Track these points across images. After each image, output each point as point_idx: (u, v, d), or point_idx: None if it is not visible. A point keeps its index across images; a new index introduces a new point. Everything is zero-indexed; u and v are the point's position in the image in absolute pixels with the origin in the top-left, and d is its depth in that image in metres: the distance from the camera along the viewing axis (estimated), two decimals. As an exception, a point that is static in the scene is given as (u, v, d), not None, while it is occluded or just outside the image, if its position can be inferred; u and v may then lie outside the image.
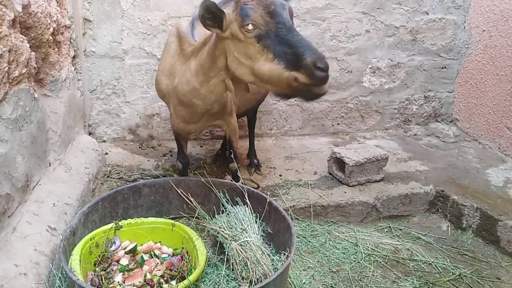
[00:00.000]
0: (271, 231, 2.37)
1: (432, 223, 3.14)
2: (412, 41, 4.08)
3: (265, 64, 1.88)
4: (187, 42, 2.37)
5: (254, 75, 1.97)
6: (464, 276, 2.55)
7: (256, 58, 1.91)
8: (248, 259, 2.05)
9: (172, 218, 2.48)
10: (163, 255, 2.23)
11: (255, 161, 3.41)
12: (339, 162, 3.23)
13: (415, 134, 4.26)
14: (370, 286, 2.42)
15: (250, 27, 1.87)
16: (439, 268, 2.61)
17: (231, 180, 2.76)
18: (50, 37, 2.52)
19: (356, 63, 4.03)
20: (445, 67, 4.26)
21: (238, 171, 2.82)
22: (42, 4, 2.37)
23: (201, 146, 3.82)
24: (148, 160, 3.46)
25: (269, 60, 1.87)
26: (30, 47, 2.19)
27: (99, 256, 2.15)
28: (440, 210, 3.19)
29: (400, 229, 3.03)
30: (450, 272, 2.59)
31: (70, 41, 3.08)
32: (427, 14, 4.03)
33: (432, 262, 2.66)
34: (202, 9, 1.89)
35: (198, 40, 2.35)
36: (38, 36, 2.36)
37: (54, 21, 2.58)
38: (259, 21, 1.86)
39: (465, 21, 4.11)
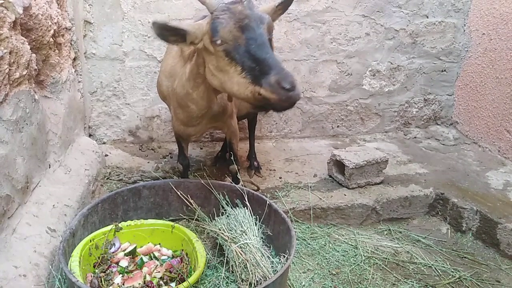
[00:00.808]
0: (270, 233, 2.37)
1: (432, 225, 3.14)
2: (412, 44, 4.09)
3: (233, 77, 1.90)
4: None
5: (223, 87, 2.00)
6: (464, 279, 2.55)
7: (225, 71, 1.93)
8: (247, 261, 2.05)
9: (172, 220, 2.48)
10: (163, 257, 2.23)
11: (255, 163, 3.42)
12: (339, 165, 3.23)
13: (415, 137, 4.26)
14: (370, 289, 2.42)
15: (218, 41, 1.87)
16: (439, 271, 2.61)
17: (231, 182, 2.76)
18: (51, 39, 2.52)
19: (356, 66, 4.04)
20: (445, 70, 4.27)
21: (238, 173, 2.82)
22: (43, 6, 2.37)
23: (201, 148, 3.82)
24: (148, 162, 3.46)
25: (237, 73, 1.87)
26: (30, 49, 2.20)
27: (98, 257, 2.15)
28: (440, 213, 3.18)
29: (400, 232, 3.03)
30: (450, 275, 2.58)
31: (71, 43, 3.08)
32: (427, 17, 4.04)
33: (432, 265, 2.66)
34: (155, 30, 1.89)
35: None
36: (39, 38, 2.37)
37: (55, 23, 2.58)
38: (227, 36, 1.85)
39: (465, 24, 4.12)
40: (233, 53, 1.86)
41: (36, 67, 2.31)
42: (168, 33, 1.93)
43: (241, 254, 2.09)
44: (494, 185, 3.31)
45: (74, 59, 3.19)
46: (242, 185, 2.68)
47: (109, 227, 2.24)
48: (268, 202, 2.40)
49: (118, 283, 2.02)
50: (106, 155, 3.48)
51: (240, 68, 1.86)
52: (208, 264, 2.20)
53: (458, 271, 2.61)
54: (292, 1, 2.19)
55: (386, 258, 2.69)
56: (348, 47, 3.96)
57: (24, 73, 2.11)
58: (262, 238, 2.30)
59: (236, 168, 2.79)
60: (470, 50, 4.10)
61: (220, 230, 2.27)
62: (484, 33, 3.91)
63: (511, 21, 3.59)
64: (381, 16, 3.93)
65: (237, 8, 1.85)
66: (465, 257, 2.78)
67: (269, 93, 1.77)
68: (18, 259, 1.89)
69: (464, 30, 4.13)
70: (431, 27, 4.07)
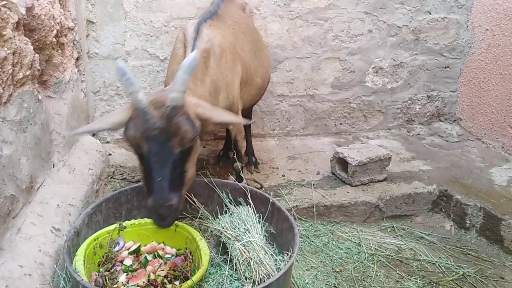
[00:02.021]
0: (274, 231, 2.37)
1: (436, 222, 3.14)
2: (414, 40, 4.08)
3: (140, 171, 1.89)
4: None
5: None
6: (467, 275, 2.55)
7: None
8: (251, 259, 2.06)
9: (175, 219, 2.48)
10: (167, 256, 2.23)
11: (253, 159, 3.43)
12: (342, 162, 3.23)
13: (418, 134, 4.25)
14: (374, 286, 2.42)
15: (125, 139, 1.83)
16: (443, 268, 2.61)
17: (234, 180, 2.76)
18: (54, 39, 2.53)
19: (359, 63, 4.03)
20: (448, 67, 4.25)
21: (242, 172, 2.83)
22: (46, 6, 2.38)
23: (204, 147, 3.83)
24: (152, 161, 3.47)
25: (141, 173, 1.86)
26: (34, 49, 2.21)
27: (103, 256, 2.16)
28: (443, 210, 3.18)
29: (403, 229, 3.03)
30: (453, 271, 2.58)
31: (74, 43, 3.09)
32: (430, 13, 4.02)
33: (436, 261, 2.66)
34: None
35: (200, 48, 2.36)
36: (42, 38, 2.38)
37: (58, 23, 2.59)
38: (131, 140, 1.79)
39: (468, 20, 4.10)
40: (138, 157, 1.82)
41: (39, 67, 2.32)
42: None
43: (244, 252, 2.10)
44: (498, 181, 3.30)
45: (77, 59, 3.19)
46: (245, 183, 2.69)
47: (113, 226, 2.25)
48: (271, 200, 2.40)
49: (122, 282, 2.02)
50: (110, 154, 3.49)
51: (141, 172, 1.84)
52: (212, 262, 2.20)
53: (462, 267, 2.61)
54: None
55: (389, 255, 2.69)
56: (350, 44, 3.95)
57: (28, 73, 2.12)
58: (265, 236, 2.30)
59: (240, 166, 2.79)
60: (473, 46, 4.08)
61: (223, 228, 2.27)
62: (487, 29, 3.89)
63: (514, 16, 3.57)
64: (384, 12, 3.91)
65: (154, 114, 1.72)
66: (469, 254, 2.78)
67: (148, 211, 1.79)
68: (23, 258, 1.90)
69: (467, 26, 4.11)
70: (434, 23, 4.06)
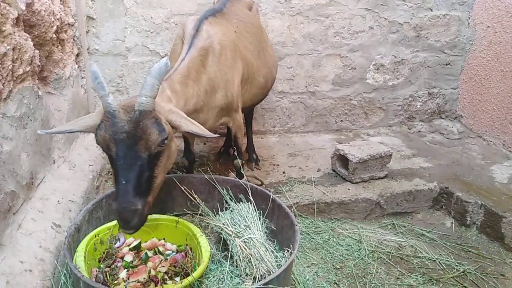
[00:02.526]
0: (274, 228, 2.37)
1: (436, 220, 3.14)
2: (416, 37, 4.06)
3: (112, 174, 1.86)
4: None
5: None
6: (468, 272, 2.55)
7: None
8: (251, 255, 2.05)
9: (176, 215, 2.48)
10: (167, 252, 2.24)
11: (254, 155, 3.42)
12: (343, 159, 3.23)
13: (419, 131, 4.25)
14: (374, 283, 2.42)
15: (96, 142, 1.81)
16: (443, 265, 2.61)
17: (235, 177, 2.76)
18: (54, 35, 2.53)
19: (360, 60, 4.02)
20: (449, 64, 4.24)
21: (242, 168, 2.82)
22: (46, 2, 2.38)
23: (204, 144, 3.82)
24: (152, 158, 3.46)
25: (112, 172, 1.83)
26: (33, 45, 2.20)
27: (103, 252, 2.16)
28: (444, 207, 3.18)
29: (404, 226, 3.03)
30: (454, 268, 2.58)
31: (74, 39, 3.09)
32: (431, 10, 4.01)
33: (436, 258, 2.66)
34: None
35: (198, 46, 2.36)
36: (42, 34, 2.37)
37: (58, 19, 2.59)
38: (102, 143, 1.76)
39: (469, 17, 4.08)
40: (109, 158, 1.79)
41: (39, 64, 2.31)
42: None
43: (245, 248, 2.09)
44: (498, 178, 3.29)
45: (77, 55, 3.19)
46: (246, 180, 2.68)
47: (113, 222, 2.25)
48: (271, 197, 2.39)
49: (123, 278, 2.02)
50: (110, 151, 3.49)
51: (112, 174, 1.81)
52: (212, 259, 2.20)
53: (462, 265, 2.61)
54: None
55: (390, 252, 2.69)
56: (351, 41, 3.94)
57: (28, 69, 2.11)
58: (266, 232, 2.30)
59: (241, 163, 2.79)
60: (475, 43, 4.07)
61: (224, 225, 2.27)
62: (489, 26, 3.88)
63: (516, 13, 3.56)
64: (385, 9, 3.90)
65: (122, 118, 1.69)
66: (469, 251, 2.78)
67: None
68: (23, 254, 1.90)
69: (469, 23, 4.09)
70: (435, 20, 4.04)
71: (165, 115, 1.79)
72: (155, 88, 1.63)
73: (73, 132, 1.87)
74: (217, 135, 1.63)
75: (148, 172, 1.75)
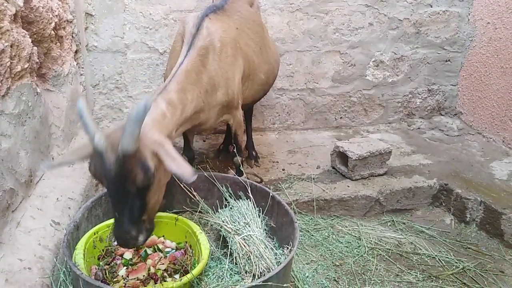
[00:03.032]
0: (274, 225, 2.37)
1: (436, 216, 3.14)
2: (415, 34, 4.05)
3: None
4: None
5: None
6: (467, 269, 2.55)
7: None
8: (251, 253, 2.05)
9: (175, 213, 2.48)
10: (167, 249, 2.23)
11: (253, 153, 3.42)
12: (342, 156, 3.22)
13: (419, 128, 4.24)
14: (373, 280, 2.42)
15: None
16: (443, 262, 2.61)
17: (234, 174, 2.76)
18: (52, 32, 2.51)
19: (359, 56, 4.01)
20: (449, 60, 4.23)
21: (242, 166, 2.82)
22: (44, -2, 2.36)
23: (204, 141, 3.82)
24: (151, 155, 3.46)
25: None
26: (32, 42, 2.19)
27: (103, 250, 2.16)
28: (443, 204, 3.18)
29: (404, 223, 3.03)
30: (453, 265, 2.58)
31: (72, 36, 3.07)
32: (431, 6, 3.99)
33: (436, 255, 2.66)
34: None
35: (198, 46, 2.33)
36: (40, 30, 2.36)
37: (56, 15, 2.57)
38: (94, 175, 1.79)
39: (469, 14, 4.07)
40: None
41: (37, 60, 2.30)
42: None
43: (244, 246, 2.09)
44: (498, 175, 3.29)
45: (76, 52, 3.18)
46: (245, 177, 2.68)
47: (113, 220, 2.24)
48: (271, 194, 2.39)
49: (122, 275, 2.03)
50: (109, 148, 3.48)
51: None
52: (212, 256, 2.20)
53: (462, 262, 2.61)
54: None
55: (389, 249, 2.69)
56: (351, 38, 3.93)
57: (26, 66, 2.10)
58: (265, 230, 2.30)
59: (240, 161, 2.79)
60: (475, 39, 4.06)
61: (223, 222, 2.27)
62: (489, 22, 3.86)
63: (516, 9, 3.55)
64: (385, 5, 3.89)
65: (109, 157, 1.67)
66: (469, 248, 2.78)
67: None
68: (22, 252, 1.90)
69: (469, 19, 4.08)
70: (435, 16, 4.03)
71: (151, 147, 1.76)
72: (135, 133, 1.62)
73: (73, 163, 1.90)
74: (195, 177, 1.65)
75: (139, 201, 1.77)
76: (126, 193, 1.72)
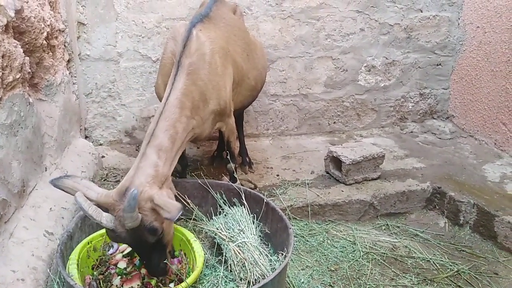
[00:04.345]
0: (268, 231, 2.37)
1: (430, 220, 3.15)
2: (406, 38, 4.09)
3: None
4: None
5: None
6: (462, 272, 2.56)
7: None
8: (246, 260, 2.05)
9: (170, 220, 2.48)
10: (161, 258, 2.22)
11: (247, 159, 3.42)
12: (336, 161, 3.23)
13: (411, 132, 4.27)
14: (369, 284, 2.42)
15: None
16: (437, 265, 2.62)
17: (228, 181, 2.76)
18: (44, 42, 2.51)
19: (351, 61, 4.04)
20: (440, 64, 4.27)
21: (235, 172, 2.82)
22: (35, 8, 2.36)
23: (198, 148, 3.82)
24: (145, 163, 3.45)
25: None
26: (24, 52, 2.19)
27: (96, 260, 2.15)
28: (437, 207, 3.19)
29: (398, 227, 3.04)
30: (448, 268, 2.59)
31: (65, 45, 3.07)
32: (421, 11, 4.04)
33: (430, 259, 2.67)
34: None
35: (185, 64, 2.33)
36: (32, 40, 2.36)
37: (48, 25, 2.57)
38: (114, 240, 2.03)
39: (459, 18, 4.12)
40: None
41: (29, 70, 2.30)
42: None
43: (239, 253, 2.09)
44: (490, 178, 3.32)
45: (68, 61, 3.17)
46: (239, 183, 2.68)
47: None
48: (265, 200, 2.40)
49: (116, 285, 2.02)
50: (103, 157, 3.47)
51: None
52: (207, 264, 2.20)
53: (456, 264, 2.62)
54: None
55: (384, 253, 2.70)
56: (343, 43, 3.95)
57: (18, 76, 2.10)
58: (260, 236, 2.30)
59: (233, 167, 2.79)
60: (465, 43, 4.10)
61: (218, 229, 2.27)
62: (478, 26, 3.91)
63: (505, 14, 3.59)
64: (375, 11, 3.92)
65: (120, 230, 1.84)
66: (463, 251, 2.79)
67: None
68: (15, 263, 1.88)
69: (459, 24, 4.13)
70: (426, 21, 4.07)
71: (149, 206, 1.89)
72: (134, 216, 1.78)
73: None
74: (180, 212, 1.81)
75: (159, 245, 1.97)
76: (145, 247, 1.94)
